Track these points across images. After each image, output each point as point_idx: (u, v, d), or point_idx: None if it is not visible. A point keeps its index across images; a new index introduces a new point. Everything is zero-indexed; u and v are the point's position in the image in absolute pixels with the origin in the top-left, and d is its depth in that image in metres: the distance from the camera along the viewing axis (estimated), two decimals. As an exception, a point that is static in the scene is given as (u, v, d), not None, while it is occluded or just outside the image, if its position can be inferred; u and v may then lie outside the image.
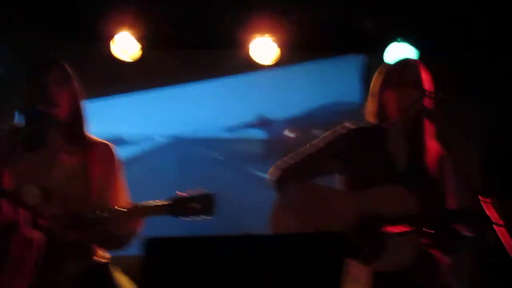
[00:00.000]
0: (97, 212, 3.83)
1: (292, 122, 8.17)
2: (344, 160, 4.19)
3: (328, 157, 4.24)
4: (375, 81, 4.23)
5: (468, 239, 3.99)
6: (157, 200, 3.94)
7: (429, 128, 4.05)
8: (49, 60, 4.08)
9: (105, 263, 4.14)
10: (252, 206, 7.29)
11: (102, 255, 4.17)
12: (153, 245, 2.28)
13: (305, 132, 7.97)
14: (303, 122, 8.08)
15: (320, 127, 7.23)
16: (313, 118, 8.03)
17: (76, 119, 4.11)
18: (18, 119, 4.16)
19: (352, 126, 4.25)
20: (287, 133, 8.21)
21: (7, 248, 0.91)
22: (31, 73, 4.05)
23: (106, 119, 5.75)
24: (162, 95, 7.90)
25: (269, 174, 4.32)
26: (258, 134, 8.21)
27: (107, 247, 4.13)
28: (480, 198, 3.41)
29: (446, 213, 4.06)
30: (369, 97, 4.25)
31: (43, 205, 3.66)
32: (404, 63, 4.20)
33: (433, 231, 3.86)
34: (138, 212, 3.90)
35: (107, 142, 4.28)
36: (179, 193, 3.95)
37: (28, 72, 4.08)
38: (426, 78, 4.03)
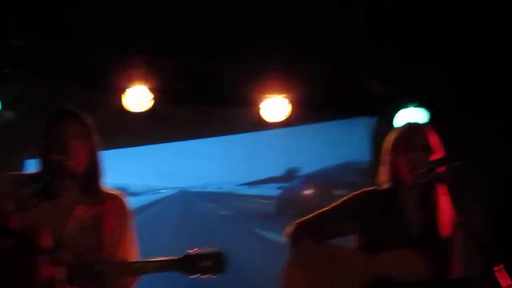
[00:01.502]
0: (108, 265, 3.82)
1: (304, 181, 8.18)
2: (360, 223, 4.21)
3: (345, 219, 4.28)
4: (386, 147, 4.28)
5: None
6: (165, 257, 3.95)
7: (442, 193, 4.06)
8: (69, 113, 4.09)
9: None
10: (255, 266, 7.27)
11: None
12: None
13: (318, 191, 7.98)
14: (314, 182, 8.09)
15: (333, 187, 7.24)
16: (323, 178, 8.04)
17: (93, 172, 4.12)
18: (34, 168, 4.17)
19: (369, 190, 4.29)
20: (299, 191, 8.21)
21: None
22: (49, 124, 4.05)
23: (115, 169, 5.73)
24: (171, 149, 7.92)
25: (285, 231, 4.34)
26: (268, 191, 8.20)
27: None
28: (494, 268, 3.41)
29: (454, 281, 4.06)
30: (382, 164, 4.28)
31: (53, 253, 3.68)
32: (410, 128, 4.28)
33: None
34: (149, 266, 3.89)
35: (120, 194, 4.28)
36: (189, 251, 3.95)
37: (47, 122, 4.07)
38: (433, 141, 4.09)
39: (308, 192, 8.20)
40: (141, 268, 3.91)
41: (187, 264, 3.95)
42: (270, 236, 7.63)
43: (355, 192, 4.36)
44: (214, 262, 3.97)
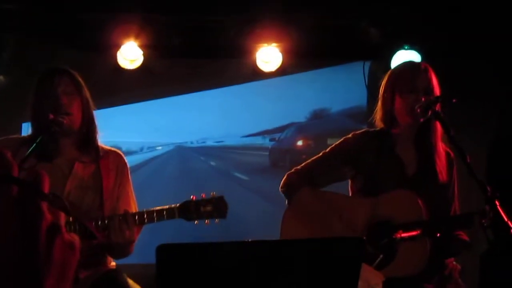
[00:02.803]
0: (108, 219, 3.84)
1: (299, 130, 8.15)
2: (354, 166, 4.21)
3: (340, 164, 4.27)
4: (384, 86, 4.23)
5: (470, 243, 4.04)
6: (166, 205, 3.95)
7: (438, 132, 4.05)
8: (59, 70, 4.08)
9: (116, 270, 4.14)
10: (249, 217, 7.28)
11: (111, 263, 4.19)
12: (167, 251, 2.27)
13: (314, 141, 7.96)
14: (309, 131, 8.06)
15: (328, 135, 7.22)
16: (320, 125, 8.01)
17: (89, 128, 4.13)
18: (28, 131, 4.17)
19: (362, 133, 4.27)
20: (295, 141, 8.18)
21: (50, 252, 0.91)
22: (41, 83, 4.04)
23: (110, 128, 5.74)
24: (167, 104, 7.90)
25: (281, 182, 4.34)
26: (265, 143, 8.19)
27: (116, 255, 4.13)
28: (496, 202, 3.42)
29: (452, 218, 4.08)
30: (378, 102, 4.25)
31: (53, 199, 3.67)
32: (413, 68, 4.18)
33: (439, 235, 3.88)
34: (150, 217, 3.90)
35: (117, 150, 4.30)
36: (193, 196, 3.95)
37: (38, 82, 4.06)
38: (436, 83, 4.04)
39: (301, 142, 8.16)
40: (142, 218, 3.91)
41: (188, 210, 3.95)
42: (266, 189, 7.62)
43: (346, 136, 4.34)
44: (216, 207, 3.97)
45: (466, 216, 3.86)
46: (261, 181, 7.93)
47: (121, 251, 4.04)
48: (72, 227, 3.37)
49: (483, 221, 3.62)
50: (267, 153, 8.30)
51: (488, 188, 3.47)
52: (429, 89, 4.00)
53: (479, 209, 3.67)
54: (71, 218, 3.60)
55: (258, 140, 8.19)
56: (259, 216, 7.25)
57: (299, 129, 8.17)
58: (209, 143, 8.12)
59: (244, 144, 8.19)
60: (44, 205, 1.08)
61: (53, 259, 1.07)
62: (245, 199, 7.64)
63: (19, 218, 1.04)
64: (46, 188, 1.11)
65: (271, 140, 8.24)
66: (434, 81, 4.04)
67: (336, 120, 7.87)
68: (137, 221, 3.90)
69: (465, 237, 4.07)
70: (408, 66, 4.31)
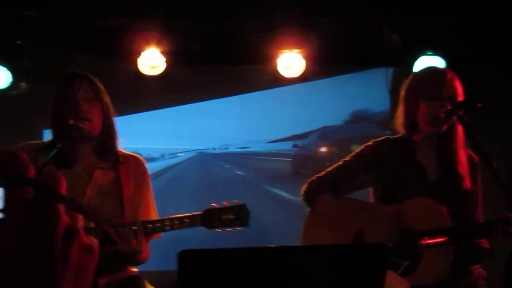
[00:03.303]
0: (129, 226, 3.81)
1: (322, 137, 8.10)
2: (375, 174, 4.16)
3: (360, 172, 4.24)
4: (406, 90, 4.17)
5: (491, 250, 3.99)
6: (188, 213, 3.93)
7: (460, 138, 3.99)
8: (79, 76, 4.05)
9: (137, 276, 4.12)
10: (271, 225, 7.24)
11: (132, 268, 4.16)
12: (189, 257, 2.25)
13: (336, 147, 7.90)
14: (332, 137, 8.01)
15: (352, 142, 7.18)
16: (341, 133, 7.96)
17: (108, 135, 4.10)
18: (48, 136, 4.15)
19: (382, 140, 4.23)
20: (318, 148, 8.12)
21: (67, 255, 0.89)
22: (61, 89, 4.02)
23: (130, 134, 5.73)
24: (187, 110, 7.88)
25: (302, 189, 4.31)
26: (288, 149, 8.14)
27: (134, 262, 4.10)
28: None
29: (477, 225, 4.02)
30: (400, 106, 4.19)
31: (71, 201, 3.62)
32: (439, 76, 4.07)
33: (464, 242, 3.84)
34: (172, 224, 3.87)
35: (137, 156, 4.27)
36: (213, 204, 3.92)
37: (58, 88, 4.04)
38: (460, 91, 3.96)
39: (325, 149, 8.10)
40: (162, 225, 3.88)
41: (210, 218, 3.92)
42: (288, 196, 7.58)
43: (367, 144, 4.30)
44: (238, 215, 3.94)
45: (491, 223, 3.80)
46: (283, 187, 7.88)
47: (129, 259, 4.01)
48: (93, 233, 3.35)
49: (508, 228, 3.58)
50: (290, 159, 8.24)
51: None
52: (454, 97, 3.92)
53: (503, 216, 3.62)
54: (91, 224, 3.59)
55: (281, 147, 8.15)
56: (281, 223, 7.22)
57: (322, 135, 8.12)
58: (231, 149, 8.09)
59: (266, 151, 8.16)
60: (61, 208, 1.05)
61: (70, 262, 1.04)
62: (266, 206, 7.61)
63: (35, 220, 1.01)
64: (63, 190, 1.08)
65: (294, 146, 8.19)
66: (459, 89, 3.97)
67: (360, 127, 7.81)
68: (155, 229, 3.88)
69: (486, 244, 4.02)
70: (433, 72, 4.21)
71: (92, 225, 3.36)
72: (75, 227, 1.07)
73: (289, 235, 5.25)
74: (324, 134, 8.11)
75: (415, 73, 4.32)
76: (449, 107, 3.84)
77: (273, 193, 7.97)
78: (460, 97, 3.94)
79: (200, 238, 4.45)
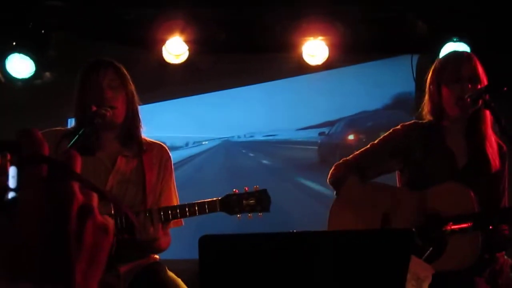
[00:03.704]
0: (144, 213, 3.79)
1: (350, 125, 8.04)
2: (404, 158, 4.14)
3: (388, 156, 4.22)
4: (430, 78, 4.16)
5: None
6: (208, 199, 3.91)
7: (488, 120, 3.97)
8: (105, 62, 4.05)
9: (158, 263, 4.12)
10: (295, 213, 7.21)
11: (155, 255, 4.16)
12: (209, 242, 2.24)
13: (364, 135, 7.83)
14: (359, 125, 7.95)
15: (381, 129, 7.14)
16: (371, 119, 7.90)
17: (132, 123, 4.09)
18: (73, 124, 4.15)
19: (411, 125, 4.21)
20: (346, 136, 8.05)
21: (82, 234, 0.87)
22: (86, 75, 4.01)
23: (154, 123, 5.72)
24: (212, 99, 7.87)
25: (329, 172, 4.29)
26: (314, 137, 8.08)
27: (152, 249, 4.08)
28: None
29: (503, 211, 3.99)
30: (426, 96, 4.18)
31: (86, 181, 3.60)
32: (457, 58, 4.12)
33: (491, 228, 3.81)
34: (191, 210, 3.85)
35: (161, 143, 4.26)
36: (235, 190, 3.91)
37: (83, 74, 4.04)
38: (481, 72, 3.96)
39: (352, 137, 8.03)
40: (182, 211, 3.86)
41: (231, 203, 3.90)
42: (314, 185, 7.54)
43: (395, 128, 4.28)
44: (259, 200, 3.91)
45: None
46: (309, 176, 7.84)
47: (147, 247, 3.99)
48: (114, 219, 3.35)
49: None
50: (316, 147, 8.18)
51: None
52: (475, 77, 3.94)
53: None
54: (112, 211, 3.59)
55: (306, 134, 8.09)
56: (307, 213, 7.18)
57: (349, 123, 8.05)
58: (257, 137, 8.05)
59: (292, 139, 8.11)
60: (76, 186, 1.04)
61: (84, 242, 1.02)
62: (291, 194, 7.58)
63: (49, 198, 1.00)
64: (78, 168, 1.06)
65: (320, 134, 8.12)
66: (480, 69, 3.98)
67: (387, 114, 7.74)
68: (177, 215, 3.86)
69: (507, 231, 3.99)
70: (451, 56, 4.27)
71: (112, 211, 3.38)
72: (90, 206, 1.06)
73: (315, 225, 5.22)
74: (352, 121, 8.04)
75: (437, 60, 4.29)
76: (474, 91, 3.82)
77: (299, 182, 7.93)
78: (482, 78, 3.96)
79: (224, 226, 4.44)
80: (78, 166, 1.07)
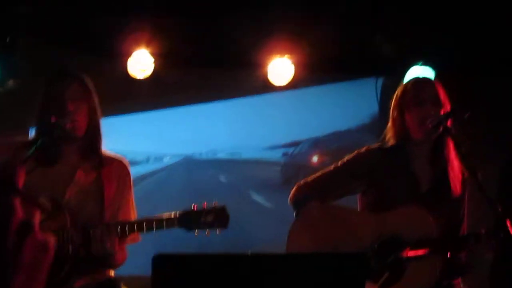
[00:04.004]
0: (101, 227, 3.75)
1: (313, 146, 8.02)
2: (367, 181, 4.16)
3: (351, 178, 4.23)
4: (393, 104, 4.21)
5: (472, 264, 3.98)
6: (166, 213, 3.87)
7: (452, 148, 3.98)
8: (69, 74, 4.02)
9: (114, 279, 4.08)
10: (256, 232, 7.18)
11: (110, 272, 4.11)
12: (163, 261, 2.21)
13: (330, 156, 7.79)
14: (324, 146, 7.93)
15: (347, 150, 7.13)
16: (333, 141, 7.89)
17: (93, 136, 4.05)
18: (33, 134, 4.10)
19: (375, 148, 4.23)
20: (310, 157, 8.01)
21: (21, 250, 0.84)
22: (50, 86, 3.98)
23: (117, 136, 5.68)
24: (176, 114, 7.83)
25: (291, 193, 4.28)
26: (277, 157, 8.05)
27: (108, 264, 4.04)
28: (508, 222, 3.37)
29: (461, 238, 4.01)
30: (389, 121, 4.20)
31: (52, 215, 3.59)
32: (418, 82, 4.21)
33: (450, 255, 3.82)
34: (149, 225, 3.81)
35: (121, 158, 4.23)
36: (194, 205, 3.87)
37: (47, 85, 4.00)
38: (443, 95, 4.01)
39: (316, 158, 7.99)
40: (141, 226, 3.82)
41: (189, 219, 3.86)
42: (275, 206, 7.51)
43: (359, 150, 4.29)
44: (217, 216, 3.87)
45: (475, 235, 3.80)
46: (270, 197, 7.80)
47: (103, 262, 3.92)
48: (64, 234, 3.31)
49: (492, 241, 3.58)
50: (279, 168, 8.13)
51: (499, 208, 3.41)
52: (436, 100, 3.99)
53: (488, 228, 3.62)
54: (68, 225, 3.54)
55: (270, 154, 8.06)
56: (266, 232, 7.15)
57: (314, 144, 8.01)
58: (219, 155, 8.01)
59: (255, 158, 8.08)
60: (17, 201, 1.01)
61: (22, 257, 0.99)
62: (251, 213, 7.54)
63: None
64: (20, 184, 1.03)
65: (283, 155, 8.09)
66: (442, 93, 4.03)
67: (353, 136, 7.73)
68: (135, 229, 3.82)
69: (466, 258, 4.02)
70: (412, 81, 4.29)
71: (69, 225, 3.34)
72: (30, 222, 1.03)
73: (275, 244, 5.19)
74: (317, 143, 8.00)
75: (400, 86, 4.33)
76: (435, 117, 3.85)
77: (260, 202, 7.89)
78: (444, 103, 4.00)
79: (182, 243, 4.40)
80: (21, 182, 1.04)
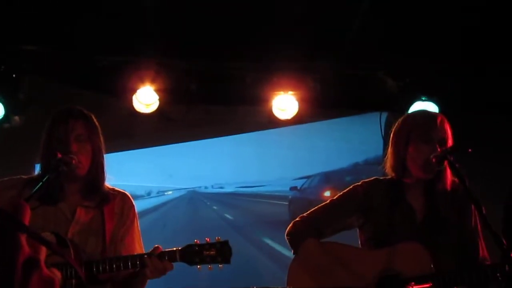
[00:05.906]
0: (110, 262, 3.76)
1: (327, 180, 7.96)
2: (364, 215, 4.14)
3: (348, 213, 4.20)
4: (397, 132, 4.17)
5: None
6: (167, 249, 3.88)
7: (449, 179, 3.97)
8: (75, 113, 4.02)
9: None
10: (258, 267, 7.15)
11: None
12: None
13: (335, 192, 7.74)
14: (339, 180, 7.86)
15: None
16: (348, 174, 7.83)
17: (95, 175, 4.04)
18: (38, 170, 4.11)
19: (372, 181, 4.20)
20: (322, 192, 7.91)
21: (27, 286, 0.85)
22: (55, 124, 3.98)
23: (121, 171, 5.68)
24: (181, 149, 7.83)
25: (287, 229, 4.26)
26: (283, 191, 8.01)
27: None
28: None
29: (466, 271, 3.98)
30: (390, 150, 4.18)
31: (35, 234, 3.54)
32: (430, 119, 4.08)
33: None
34: (151, 260, 3.81)
35: (124, 193, 4.21)
36: (196, 240, 3.87)
37: (52, 122, 4.01)
38: (450, 135, 3.98)
39: (329, 193, 7.83)
40: (143, 262, 3.82)
41: (191, 254, 3.86)
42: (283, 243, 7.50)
43: (356, 184, 4.27)
44: (219, 251, 3.87)
45: (480, 269, 3.78)
46: (276, 234, 7.76)
47: None
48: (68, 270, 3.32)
49: (498, 275, 3.56)
50: (286, 202, 8.04)
51: (504, 242, 3.40)
52: (444, 140, 3.93)
53: (493, 263, 3.61)
54: (70, 261, 3.55)
55: (276, 188, 8.01)
56: (270, 267, 7.13)
57: (326, 178, 7.93)
58: (224, 189, 7.98)
59: (261, 192, 8.04)
60: (23, 238, 1.02)
61: (29, 294, 1.00)
62: (255, 248, 7.52)
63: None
64: (27, 220, 1.05)
65: (291, 189, 8.00)
66: (449, 131, 3.99)
67: (366, 169, 7.66)
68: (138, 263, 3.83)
69: None
70: (425, 115, 4.21)
71: (71, 261, 3.35)
72: (36, 259, 1.04)
73: (276, 281, 5.17)
74: (328, 176, 7.92)
75: (406, 116, 4.31)
76: (439, 152, 3.83)
77: (264, 241, 7.83)
78: (450, 141, 3.96)
79: (189, 276, 4.39)
80: (27, 218, 1.05)
